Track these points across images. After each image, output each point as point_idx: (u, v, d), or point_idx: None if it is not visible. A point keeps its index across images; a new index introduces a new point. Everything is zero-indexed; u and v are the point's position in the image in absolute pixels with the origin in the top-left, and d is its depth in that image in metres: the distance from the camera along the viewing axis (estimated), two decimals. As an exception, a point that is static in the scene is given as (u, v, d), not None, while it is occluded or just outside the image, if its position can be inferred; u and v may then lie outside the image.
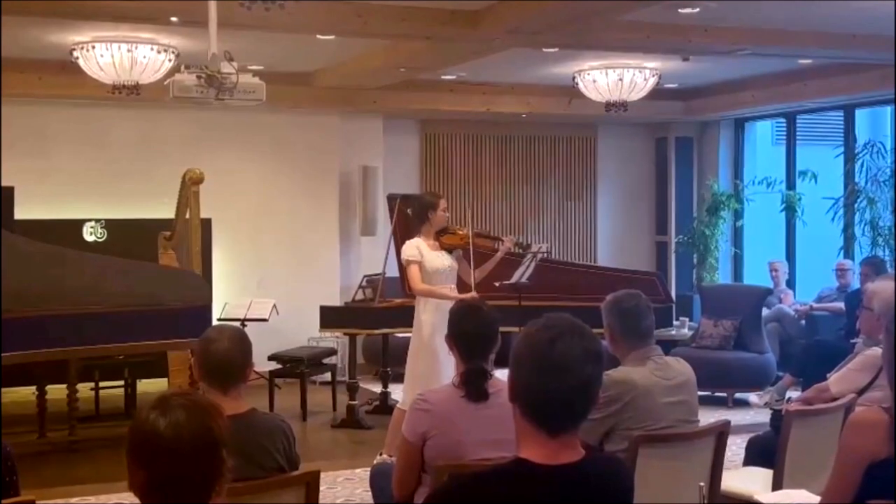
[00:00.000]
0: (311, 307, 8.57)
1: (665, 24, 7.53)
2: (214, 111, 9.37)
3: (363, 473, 6.02)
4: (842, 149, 10.54)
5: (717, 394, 8.79)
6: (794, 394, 7.15)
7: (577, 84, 9.23)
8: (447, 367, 6.13)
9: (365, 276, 9.20)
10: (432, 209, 6.49)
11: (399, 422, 6.24)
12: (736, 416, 7.81)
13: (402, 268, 6.87)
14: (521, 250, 7.11)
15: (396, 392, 7.76)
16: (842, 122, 10.79)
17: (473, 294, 6.30)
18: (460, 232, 6.68)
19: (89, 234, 9.46)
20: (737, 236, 12.05)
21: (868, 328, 4.79)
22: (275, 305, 9.01)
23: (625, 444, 3.54)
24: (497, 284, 6.98)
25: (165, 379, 8.07)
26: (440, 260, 6.46)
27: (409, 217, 7.39)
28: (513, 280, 6.98)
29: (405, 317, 6.93)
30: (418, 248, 6.42)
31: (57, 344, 6.64)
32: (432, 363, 6.23)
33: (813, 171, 10.53)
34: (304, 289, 9.96)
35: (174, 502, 1.97)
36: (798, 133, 11.44)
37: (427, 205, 6.54)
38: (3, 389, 8.43)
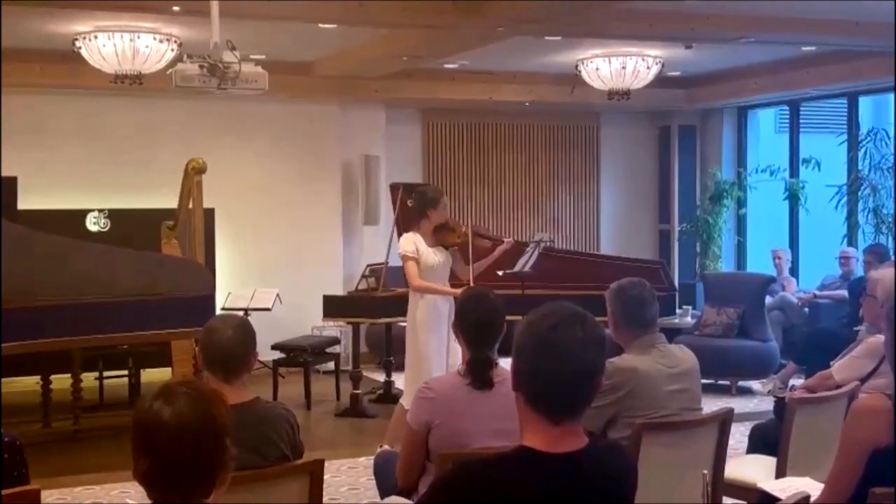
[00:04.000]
0: (314, 296, 8.58)
1: (668, 13, 7.51)
2: (216, 101, 9.36)
3: (367, 462, 6.03)
4: (845, 136, 10.52)
5: (720, 382, 8.80)
6: (797, 382, 7.16)
7: (579, 72, 9.21)
8: (437, 367, 6.16)
9: (368, 266, 9.21)
10: (432, 207, 6.35)
11: (400, 417, 6.30)
12: (739, 404, 7.82)
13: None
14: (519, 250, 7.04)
15: (400, 381, 7.76)
16: (845, 110, 10.77)
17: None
18: (459, 230, 6.53)
19: (92, 224, 9.46)
20: (740, 224, 12.04)
21: (871, 316, 4.79)
22: (278, 295, 9.02)
23: (628, 432, 3.55)
24: (500, 273, 6.97)
25: (169, 368, 8.07)
26: (435, 256, 6.35)
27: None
28: (516, 269, 6.98)
29: (407, 305, 6.91)
30: (415, 243, 6.30)
31: (61, 334, 6.64)
32: (421, 362, 6.22)
33: (816, 159, 10.52)
34: (308, 278, 9.97)
35: (178, 491, 1.98)
36: (801, 121, 11.41)
37: (428, 202, 6.39)
38: (8, 379, 8.49)
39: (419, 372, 6.16)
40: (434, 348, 6.23)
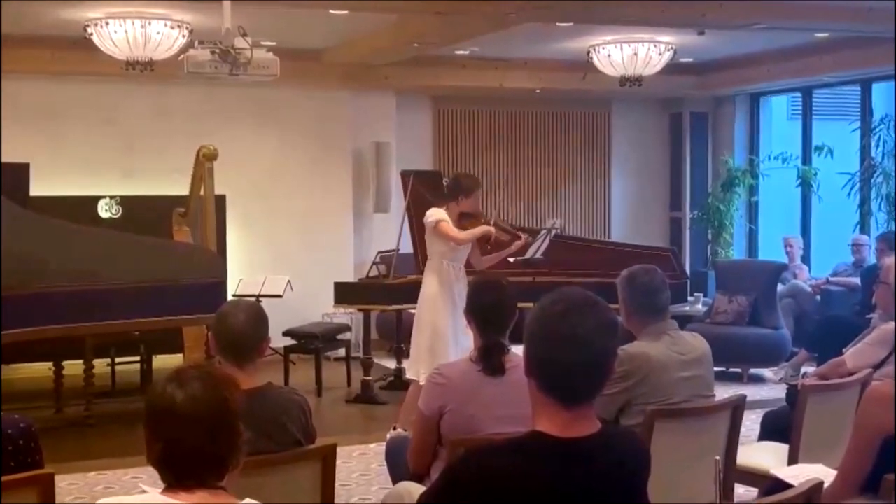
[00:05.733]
0: (325, 283, 8.58)
1: (680, -2, 7.48)
2: (227, 87, 9.36)
3: (378, 448, 6.04)
4: (858, 123, 10.47)
5: (731, 369, 8.78)
6: (808, 369, 7.14)
7: (591, 59, 9.18)
8: (452, 344, 6.18)
9: (378, 253, 9.21)
10: (465, 195, 6.39)
11: (414, 396, 6.31)
12: (751, 392, 7.78)
13: (417, 241, 6.86)
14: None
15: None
16: (858, 97, 10.71)
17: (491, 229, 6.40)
18: (483, 221, 6.58)
19: (104, 211, 9.47)
20: (752, 212, 12.00)
21: (885, 303, 4.77)
22: (289, 282, 9.03)
23: (640, 419, 3.54)
24: (511, 260, 6.97)
25: (181, 355, 8.11)
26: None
27: (423, 193, 7.39)
28: (527, 256, 6.98)
29: (418, 293, 6.92)
30: (444, 214, 6.40)
31: (73, 320, 6.66)
32: (438, 339, 6.24)
33: (829, 146, 10.47)
34: (319, 265, 9.97)
35: (191, 474, 1.98)
36: (814, 107, 11.35)
37: (463, 189, 6.43)
38: (20, 366, 8.55)
39: (435, 348, 6.19)
40: (450, 325, 6.24)
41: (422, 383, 6.30)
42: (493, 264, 6.63)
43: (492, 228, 6.44)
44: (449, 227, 6.31)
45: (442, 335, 6.24)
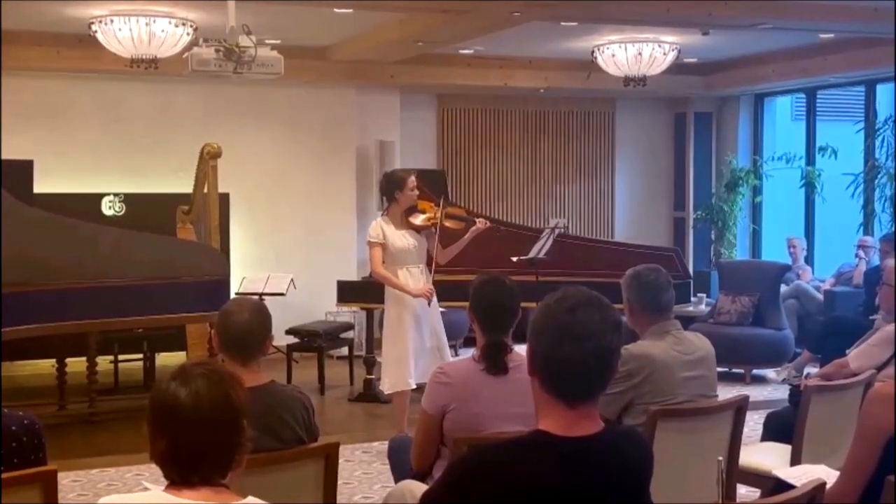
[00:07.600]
0: (328, 282, 8.59)
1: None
2: (231, 85, 9.36)
3: (380, 447, 6.05)
4: (862, 124, 10.46)
5: (734, 370, 8.78)
6: (811, 370, 7.14)
7: (595, 58, 9.17)
8: (420, 355, 6.14)
9: (382, 251, 9.20)
10: (399, 189, 6.20)
11: (398, 404, 6.31)
12: (753, 393, 7.76)
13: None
14: (497, 234, 6.98)
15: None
16: (863, 98, 10.70)
17: (428, 287, 6.17)
18: (429, 212, 6.34)
19: (108, 209, 9.48)
20: (755, 212, 11.99)
21: (888, 304, 4.77)
22: (292, 280, 9.03)
23: (643, 419, 3.54)
24: (514, 259, 6.96)
25: (184, 352, 8.12)
26: (403, 240, 6.20)
27: (427, 193, 7.36)
28: (530, 255, 6.97)
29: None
30: (381, 228, 6.20)
31: (76, 317, 6.67)
32: (402, 351, 6.17)
33: (833, 147, 10.46)
34: (322, 263, 9.98)
35: (194, 471, 1.98)
36: (818, 108, 11.35)
37: (395, 183, 6.25)
38: (24, 362, 8.56)
39: (399, 360, 6.17)
40: (414, 331, 6.19)
41: (387, 392, 6.36)
42: (455, 255, 6.39)
43: (421, 290, 6.15)
44: (375, 253, 6.17)
45: (403, 348, 6.18)
